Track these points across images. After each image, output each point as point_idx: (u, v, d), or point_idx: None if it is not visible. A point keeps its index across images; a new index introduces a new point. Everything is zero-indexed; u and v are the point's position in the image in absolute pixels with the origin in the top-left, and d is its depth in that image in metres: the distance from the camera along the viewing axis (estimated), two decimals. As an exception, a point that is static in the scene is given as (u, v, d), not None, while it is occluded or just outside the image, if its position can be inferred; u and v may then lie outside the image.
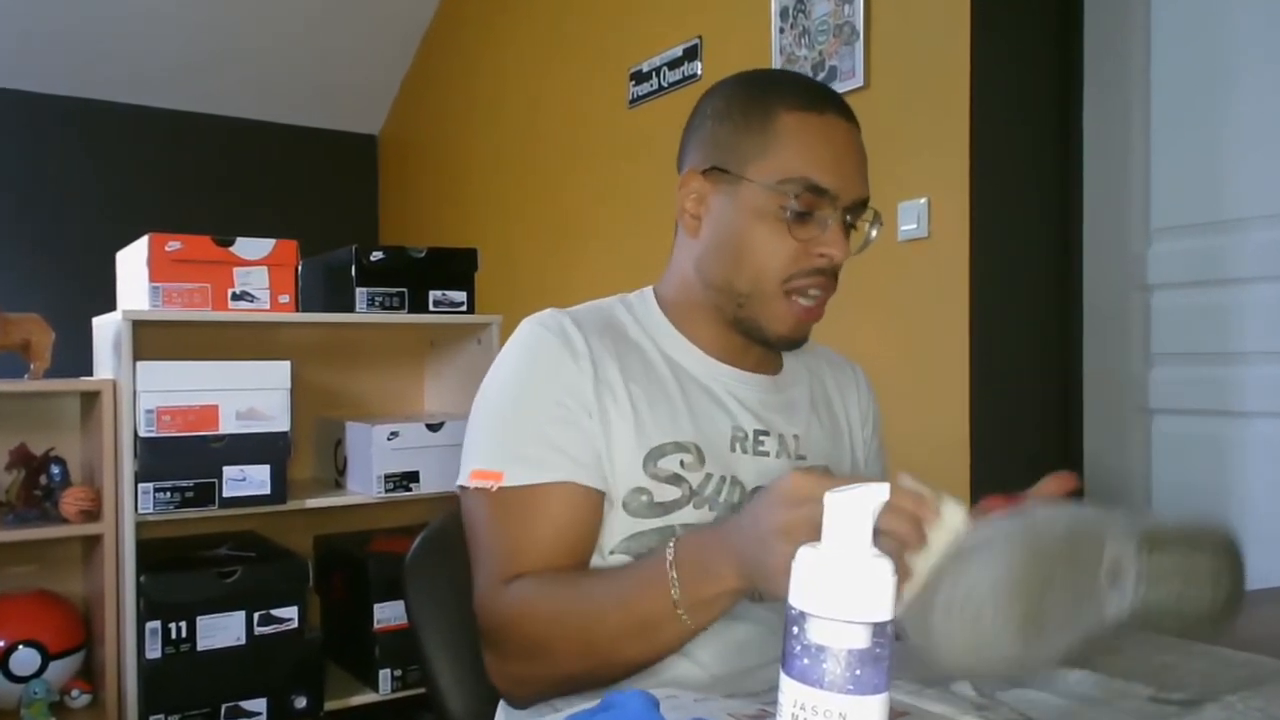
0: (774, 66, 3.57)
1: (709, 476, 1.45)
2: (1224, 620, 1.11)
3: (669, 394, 1.48)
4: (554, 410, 1.41)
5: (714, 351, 1.54)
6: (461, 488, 1.46)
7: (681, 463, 1.44)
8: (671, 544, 1.24)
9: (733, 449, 1.50)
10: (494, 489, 1.39)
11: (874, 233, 1.52)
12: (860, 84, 3.27)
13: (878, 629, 0.74)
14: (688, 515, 1.43)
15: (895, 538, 1.02)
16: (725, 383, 1.54)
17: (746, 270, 1.45)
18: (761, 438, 1.52)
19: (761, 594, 1.41)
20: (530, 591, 1.35)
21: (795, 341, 1.52)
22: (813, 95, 1.45)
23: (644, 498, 1.42)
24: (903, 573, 1.01)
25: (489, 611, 1.38)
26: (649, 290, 1.62)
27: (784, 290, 1.45)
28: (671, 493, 1.43)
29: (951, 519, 1.04)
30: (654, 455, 1.43)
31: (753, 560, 1.11)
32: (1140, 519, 1.09)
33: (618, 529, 1.42)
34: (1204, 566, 1.09)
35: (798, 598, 0.76)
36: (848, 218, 1.44)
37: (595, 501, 1.41)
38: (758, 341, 1.52)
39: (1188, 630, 1.10)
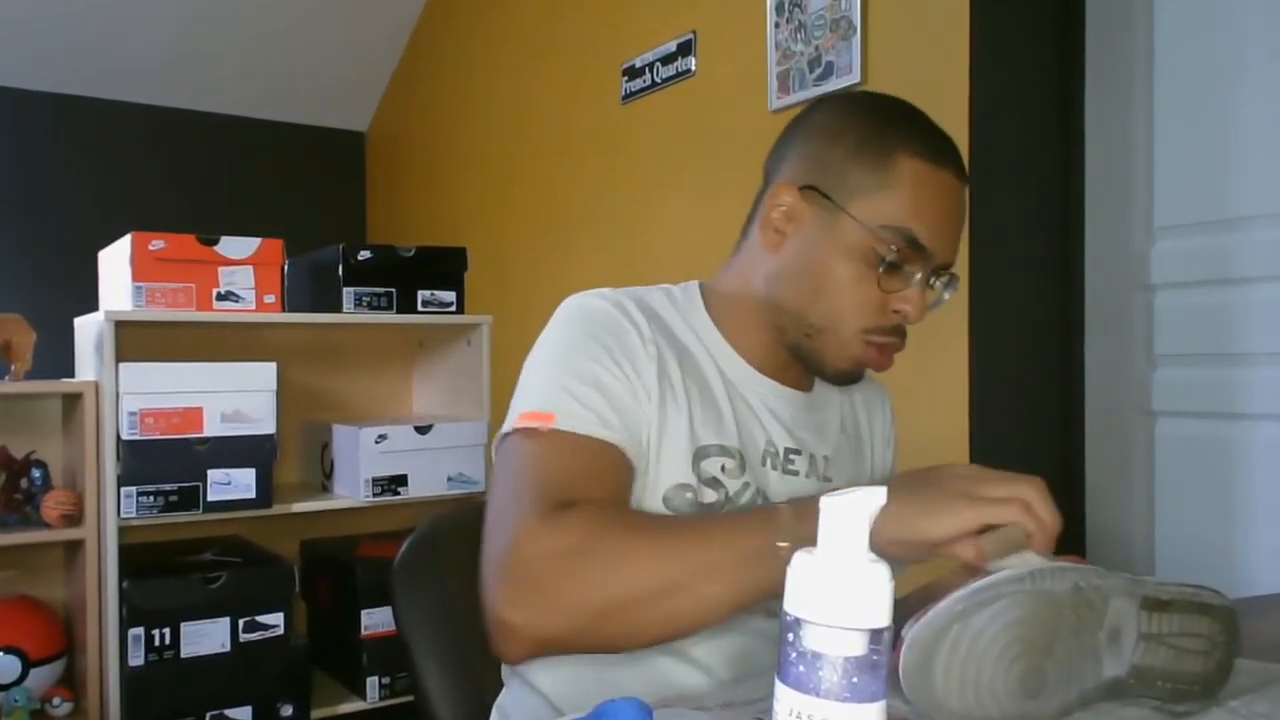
0: (766, 62, 3.58)
1: (745, 486, 1.44)
2: (1216, 685, 1.13)
3: (717, 397, 1.47)
4: (616, 373, 1.37)
5: (754, 361, 1.52)
6: (504, 437, 1.38)
7: (723, 467, 1.43)
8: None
9: (763, 463, 1.49)
10: (545, 430, 1.33)
11: (947, 295, 1.49)
12: (857, 80, 3.27)
13: (875, 636, 0.74)
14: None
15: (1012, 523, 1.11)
16: (762, 394, 1.52)
17: (824, 305, 1.43)
18: (792, 456, 1.52)
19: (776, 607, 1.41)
20: (597, 509, 1.26)
21: (852, 380, 1.52)
22: (937, 148, 1.42)
23: (688, 494, 1.40)
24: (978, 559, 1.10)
25: (535, 536, 1.22)
26: (695, 286, 1.59)
27: (860, 336, 1.43)
28: (710, 495, 1.42)
29: (1030, 556, 1.09)
30: (700, 455, 1.42)
31: (910, 500, 1.15)
32: (1142, 581, 1.11)
33: None
34: (1203, 630, 1.11)
35: (793, 604, 0.76)
36: (932, 278, 1.43)
37: (633, 480, 1.38)
38: (813, 371, 1.52)
39: (1179, 692, 1.11)
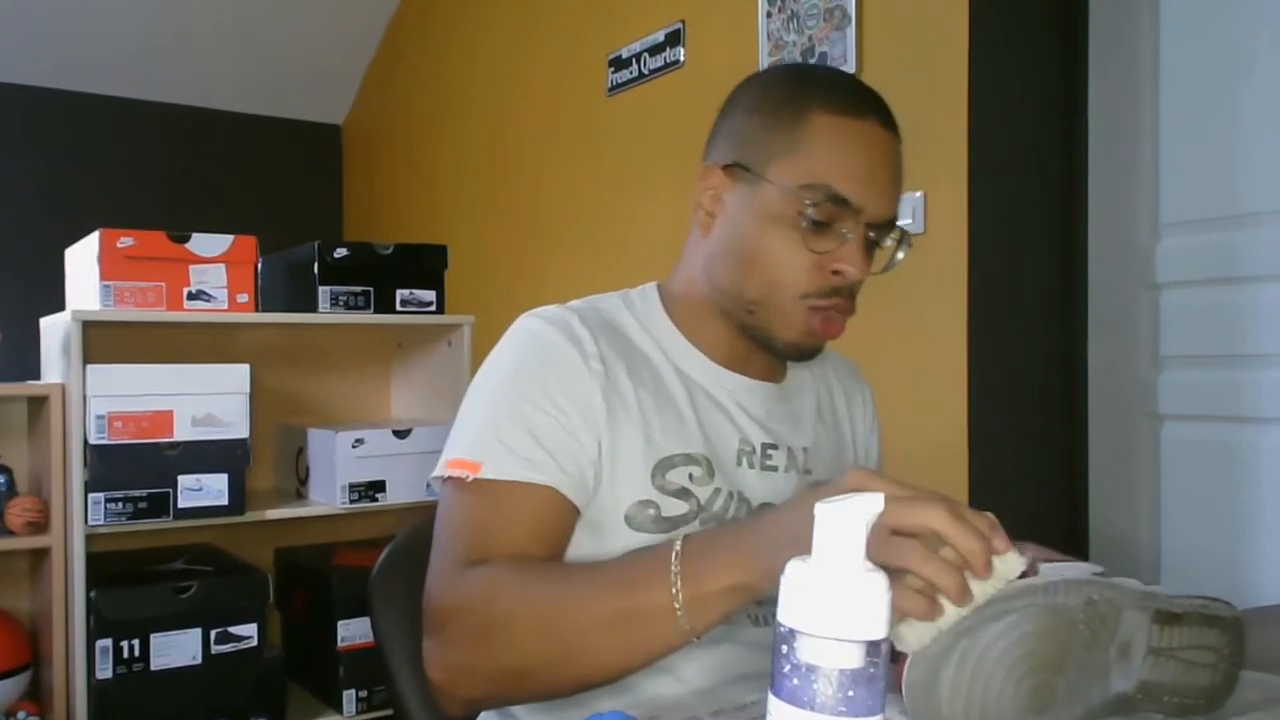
0: (758, 52, 3.58)
1: (717, 491, 1.44)
2: (1221, 697, 1.13)
3: (677, 403, 1.47)
4: (550, 410, 1.38)
5: (719, 357, 1.52)
6: (437, 479, 1.42)
7: (690, 475, 1.42)
8: (681, 538, 1.19)
9: (739, 463, 1.48)
10: (469, 479, 1.35)
11: (900, 255, 1.49)
12: (852, 71, 3.27)
13: (872, 648, 0.74)
14: (693, 530, 1.40)
15: (957, 555, 0.99)
16: (731, 391, 1.52)
17: (757, 278, 1.42)
18: (770, 451, 1.51)
19: (763, 614, 1.41)
20: (496, 570, 1.28)
21: (806, 353, 1.50)
22: (854, 98, 1.40)
23: (651, 511, 1.39)
24: (925, 608, 0.98)
25: (442, 594, 1.30)
26: (653, 288, 1.59)
27: (800, 303, 1.41)
28: (679, 506, 1.41)
29: (1005, 568, 1.01)
30: (663, 466, 1.41)
31: (784, 555, 0.94)
32: (1154, 593, 1.10)
33: (619, 544, 1.38)
34: (1211, 643, 1.11)
35: (787, 614, 0.76)
36: (871, 235, 1.40)
37: (572, 517, 1.38)
38: (766, 350, 1.50)
39: (1185, 707, 1.11)
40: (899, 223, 1.45)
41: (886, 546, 0.98)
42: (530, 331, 1.46)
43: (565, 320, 1.45)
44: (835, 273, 1.39)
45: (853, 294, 1.43)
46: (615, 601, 1.18)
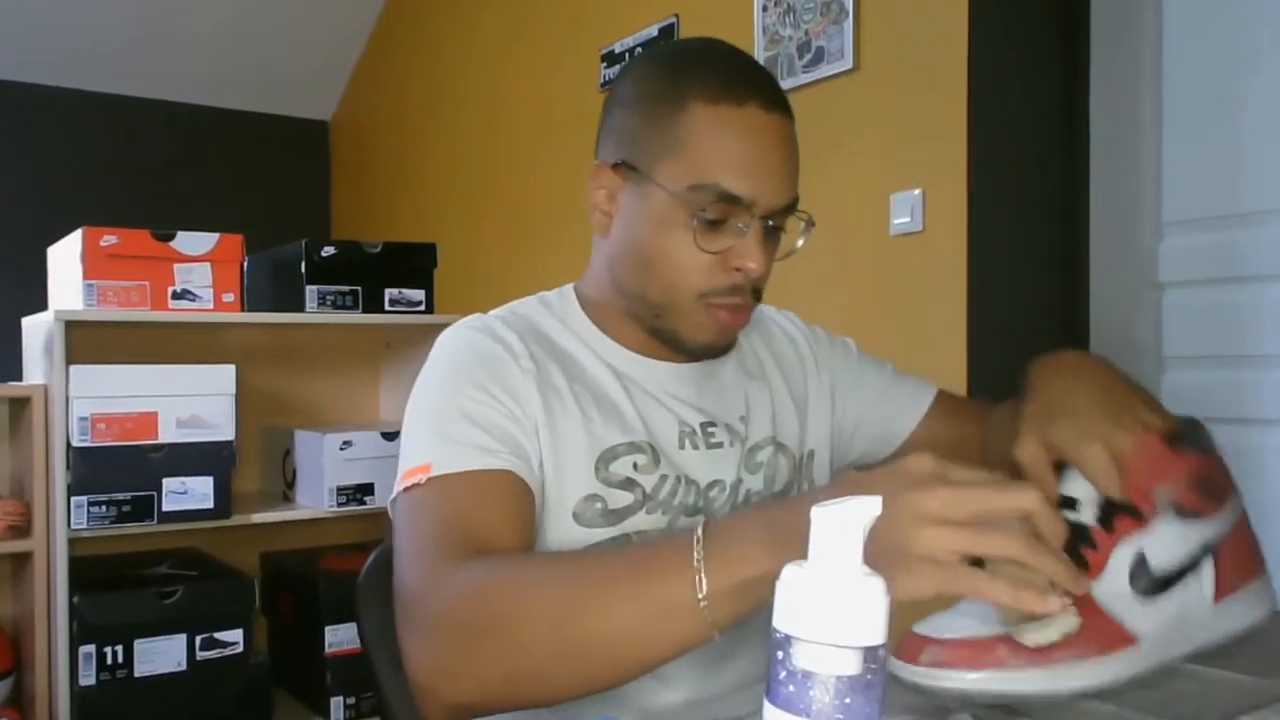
0: (753, 47, 3.58)
1: (663, 479, 1.44)
2: None
3: (612, 395, 1.47)
4: (490, 402, 1.37)
5: (641, 349, 1.52)
6: (392, 504, 1.37)
7: (635, 465, 1.43)
8: (701, 522, 1.11)
9: (681, 446, 1.48)
10: (424, 481, 1.30)
11: (800, 241, 1.47)
12: (849, 66, 3.27)
13: (870, 654, 0.73)
14: (641, 521, 1.41)
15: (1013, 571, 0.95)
16: (660, 380, 1.52)
17: (657, 282, 1.42)
18: (710, 429, 1.52)
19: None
20: (494, 565, 1.21)
21: (718, 350, 1.51)
22: (729, 82, 1.37)
23: (597, 505, 1.40)
24: (1045, 602, 0.95)
25: (431, 594, 1.21)
26: (570, 289, 1.60)
27: (701, 303, 1.41)
28: (624, 498, 1.41)
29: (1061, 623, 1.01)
30: (606, 458, 1.41)
31: None
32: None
33: (568, 541, 1.38)
34: None
35: (783, 619, 0.75)
36: (769, 223, 1.39)
37: (532, 500, 1.36)
38: (680, 351, 1.50)
39: None
40: (798, 206, 1.43)
41: (980, 537, 0.95)
42: (456, 340, 1.47)
43: (488, 325, 1.47)
44: (737, 269, 1.38)
45: (757, 288, 1.43)
46: (632, 594, 1.10)
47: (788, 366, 1.68)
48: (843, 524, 0.75)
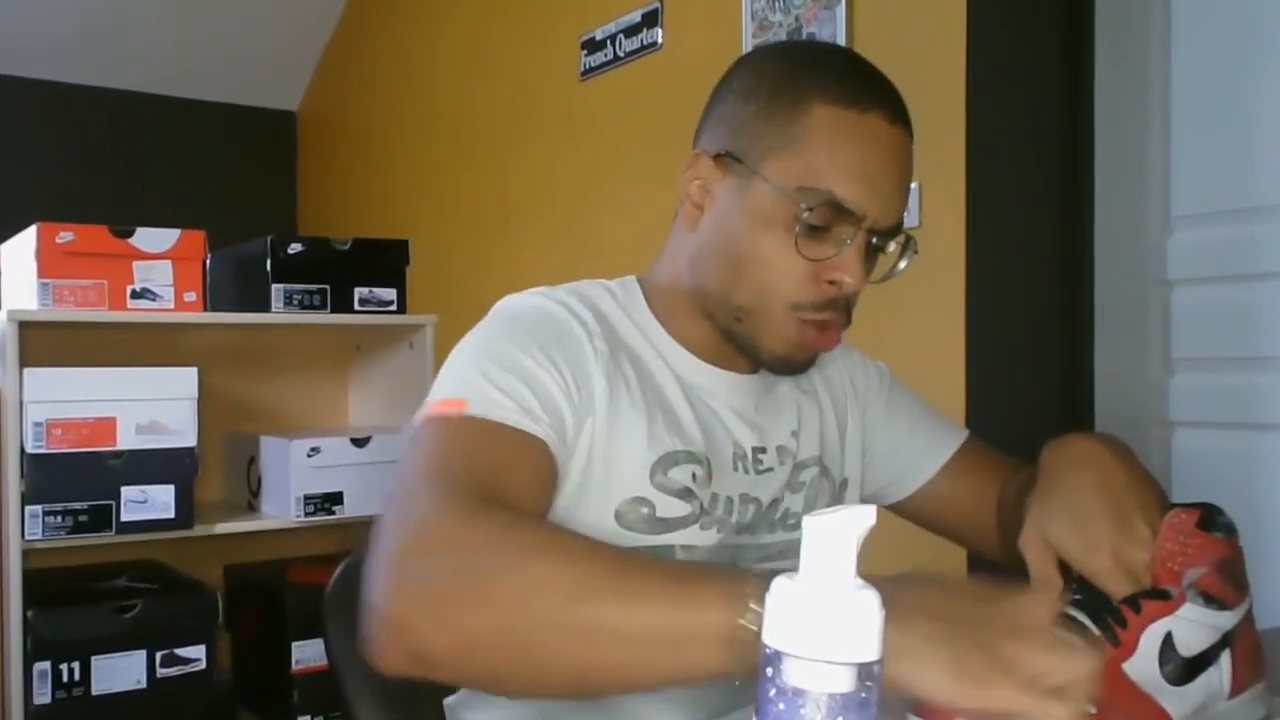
0: (741, 33, 3.58)
1: (715, 496, 1.44)
2: None
3: (673, 400, 1.46)
4: (548, 365, 1.34)
5: (706, 355, 1.51)
6: (408, 435, 1.32)
7: (694, 475, 1.41)
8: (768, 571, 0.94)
9: (735, 468, 1.48)
10: (456, 415, 1.28)
11: (903, 264, 1.48)
12: (843, 54, 3.27)
13: (863, 670, 0.73)
14: (692, 535, 1.41)
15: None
16: (720, 391, 1.51)
17: (746, 284, 1.40)
18: (760, 454, 1.51)
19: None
20: (528, 523, 1.17)
21: (796, 366, 1.48)
22: (855, 87, 1.37)
23: (644, 510, 1.38)
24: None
25: (441, 517, 1.15)
26: (633, 281, 1.58)
27: (792, 314, 1.39)
28: (680, 508, 1.40)
29: None
30: (664, 463, 1.40)
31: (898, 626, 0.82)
32: None
33: (601, 539, 1.27)
34: None
35: (773, 635, 0.75)
36: (873, 241, 1.39)
37: (556, 480, 1.33)
38: (753, 360, 1.49)
39: None
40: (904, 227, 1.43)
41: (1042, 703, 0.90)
42: (525, 304, 1.45)
43: (563, 299, 1.44)
44: (831, 282, 1.37)
45: (849, 306, 1.42)
46: (664, 599, 1.00)
47: (834, 385, 1.69)
48: (836, 535, 0.75)
